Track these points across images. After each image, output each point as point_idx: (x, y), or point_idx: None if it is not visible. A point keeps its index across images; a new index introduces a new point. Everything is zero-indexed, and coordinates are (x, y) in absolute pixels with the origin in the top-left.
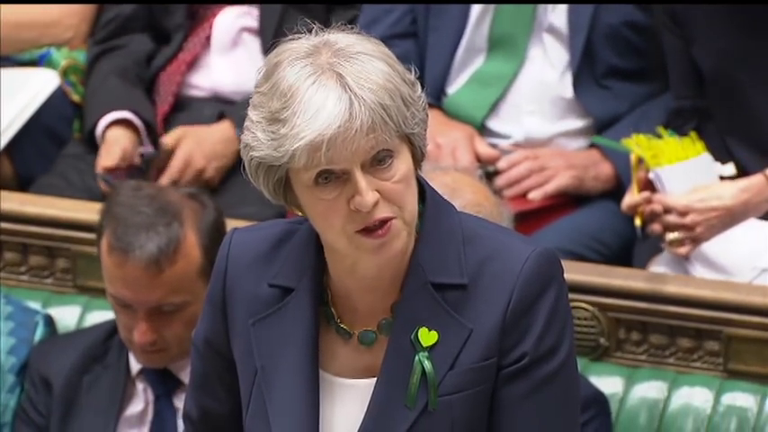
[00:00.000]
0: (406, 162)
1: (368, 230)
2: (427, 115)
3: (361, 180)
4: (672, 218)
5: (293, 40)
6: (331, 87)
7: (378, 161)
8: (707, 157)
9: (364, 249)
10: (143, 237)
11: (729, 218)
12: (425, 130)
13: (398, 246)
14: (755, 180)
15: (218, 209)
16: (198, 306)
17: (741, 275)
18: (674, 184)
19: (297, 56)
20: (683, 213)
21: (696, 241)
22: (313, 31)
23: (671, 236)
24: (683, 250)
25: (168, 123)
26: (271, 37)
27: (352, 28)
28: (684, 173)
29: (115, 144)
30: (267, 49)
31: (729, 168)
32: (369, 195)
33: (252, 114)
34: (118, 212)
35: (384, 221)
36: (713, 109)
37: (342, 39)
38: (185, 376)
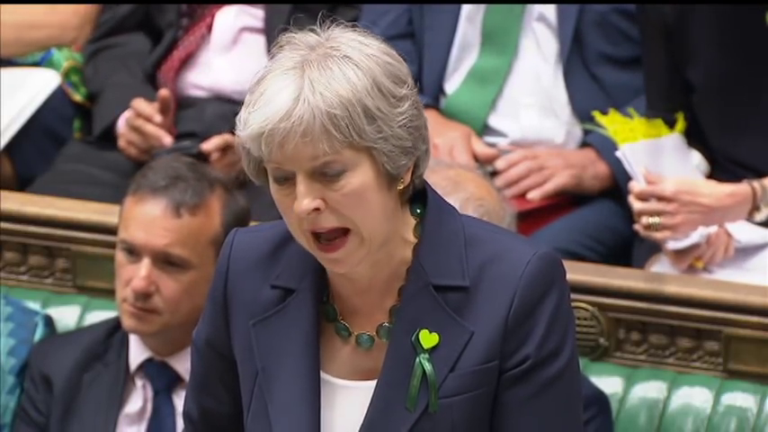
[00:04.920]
0: (363, 176)
1: (320, 243)
2: (411, 133)
3: (301, 185)
4: (655, 204)
5: (310, 30)
6: (289, 83)
7: (323, 173)
8: (677, 137)
9: (322, 261)
10: (171, 182)
11: (708, 217)
12: (402, 146)
13: (353, 263)
14: (742, 189)
15: (247, 203)
16: (199, 277)
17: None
18: (640, 161)
19: (296, 46)
20: (669, 201)
21: (672, 230)
22: (330, 26)
23: (651, 219)
24: (658, 235)
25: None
26: (277, 37)
27: (359, 28)
28: (650, 151)
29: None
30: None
31: (697, 155)
32: (304, 202)
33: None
34: (153, 165)
35: (332, 233)
36: (707, 128)
37: (346, 39)
38: (184, 371)
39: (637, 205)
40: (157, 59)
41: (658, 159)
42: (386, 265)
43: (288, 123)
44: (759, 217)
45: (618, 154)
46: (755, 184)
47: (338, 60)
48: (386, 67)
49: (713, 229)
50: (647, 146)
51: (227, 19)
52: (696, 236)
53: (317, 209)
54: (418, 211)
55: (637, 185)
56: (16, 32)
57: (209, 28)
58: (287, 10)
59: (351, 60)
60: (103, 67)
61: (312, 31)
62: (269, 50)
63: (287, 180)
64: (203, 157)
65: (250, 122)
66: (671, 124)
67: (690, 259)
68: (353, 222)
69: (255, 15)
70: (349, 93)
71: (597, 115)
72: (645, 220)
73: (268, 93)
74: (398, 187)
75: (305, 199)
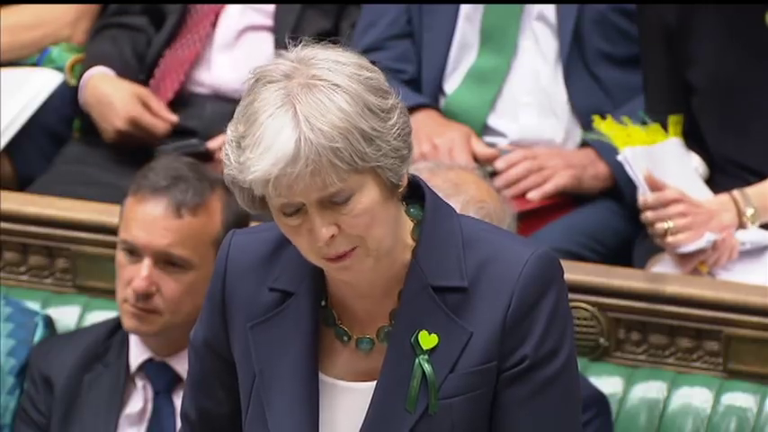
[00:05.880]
0: (370, 194)
1: (331, 259)
2: (405, 140)
3: (316, 217)
4: (672, 209)
5: (278, 56)
6: (285, 123)
7: (332, 202)
8: (675, 141)
9: (329, 270)
10: (172, 182)
11: (713, 221)
12: (401, 156)
13: (362, 270)
14: (721, 198)
15: None
16: (200, 277)
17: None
18: (641, 166)
19: (272, 78)
20: (677, 201)
21: (688, 229)
22: (300, 46)
23: (665, 224)
24: (680, 237)
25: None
26: (286, 36)
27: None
28: (651, 156)
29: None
30: (282, 47)
31: (696, 158)
32: (322, 232)
33: (228, 130)
34: (154, 165)
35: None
36: (707, 130)
37: (321, 61)
38: (185, 371)
39: (648, 215)
40: (160, 47)
41: (659, 164)
42: (387, 270)
43: (295, 168)
44: (750, 222)
45: (619, 158)
46: (735, 192)
47: (324, 89)
48: (368, 84)
49: (720, 235)
50: (647, 151)
51: (231, 16)
52: (704, 241)
53: (333, 235)
54: (413, 211)
55: (644, 198)
56: (10, 36)
57: (213, 25)
58: (297, 8)
59: (336, 86)
60: (97, 42)
61: (280, 55)
62: (277, 48)
63: (297, 211)
64: (209, 156)
65: (252, 168)
66: (668, 128)
67: (695, 263)
68: (363, 239)
69: (262, 12)
70: (344, 121)
71: (596, 120)
72: (659, 225)
73: (266, 137)
74: (399, 191)
75: (322, 228)
